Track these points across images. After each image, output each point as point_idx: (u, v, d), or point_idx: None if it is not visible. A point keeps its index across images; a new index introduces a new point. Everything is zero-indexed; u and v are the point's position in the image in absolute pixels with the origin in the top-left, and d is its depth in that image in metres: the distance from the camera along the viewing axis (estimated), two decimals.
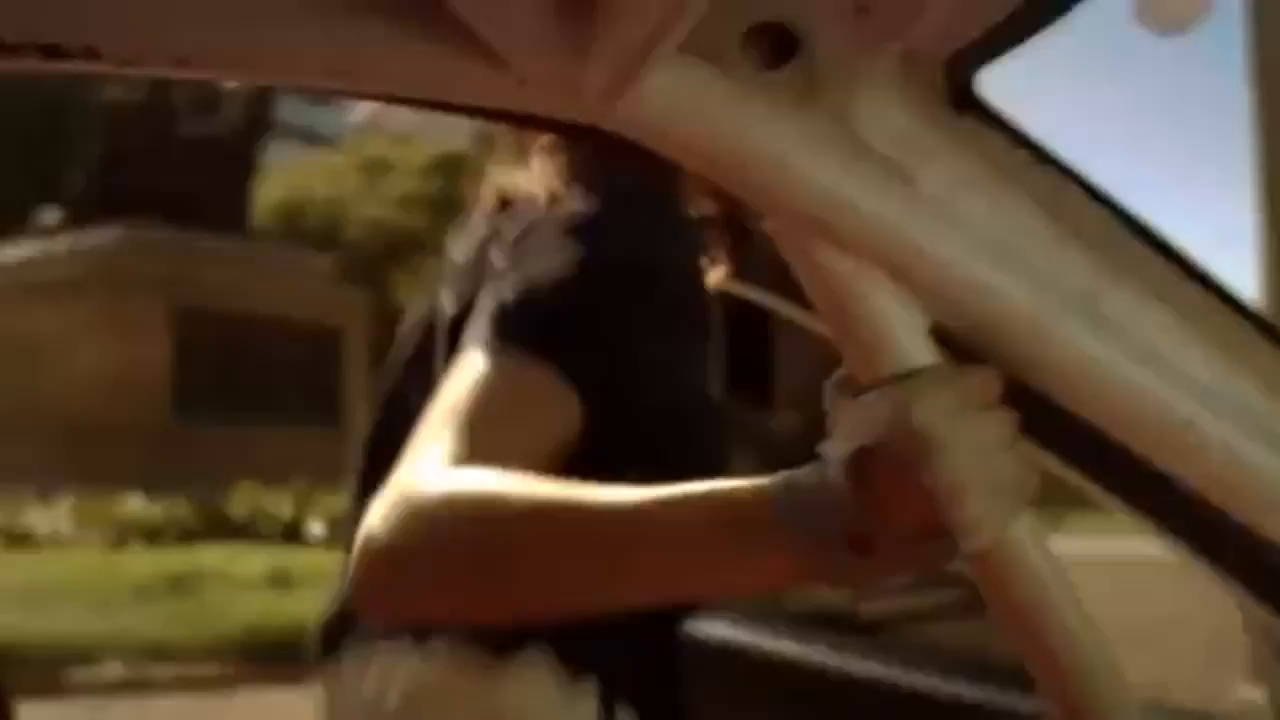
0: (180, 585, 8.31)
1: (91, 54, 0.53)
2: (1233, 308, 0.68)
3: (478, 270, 1.09)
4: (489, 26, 0.55)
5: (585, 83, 0.57)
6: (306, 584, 7.86)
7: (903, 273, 0.63)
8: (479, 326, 0.99)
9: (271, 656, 6.49)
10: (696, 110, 0.59)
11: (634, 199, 1.08)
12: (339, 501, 7.64)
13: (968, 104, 0.64)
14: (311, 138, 30.44)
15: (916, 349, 0.64)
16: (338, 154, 27.16)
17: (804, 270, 0.65)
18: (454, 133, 19.76)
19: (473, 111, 0.63)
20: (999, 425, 0.64)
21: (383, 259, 22.82)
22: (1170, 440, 0.67)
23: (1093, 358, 0.65)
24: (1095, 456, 0.96)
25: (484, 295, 1.03)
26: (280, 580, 8.57)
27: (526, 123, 0.63)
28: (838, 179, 0.61)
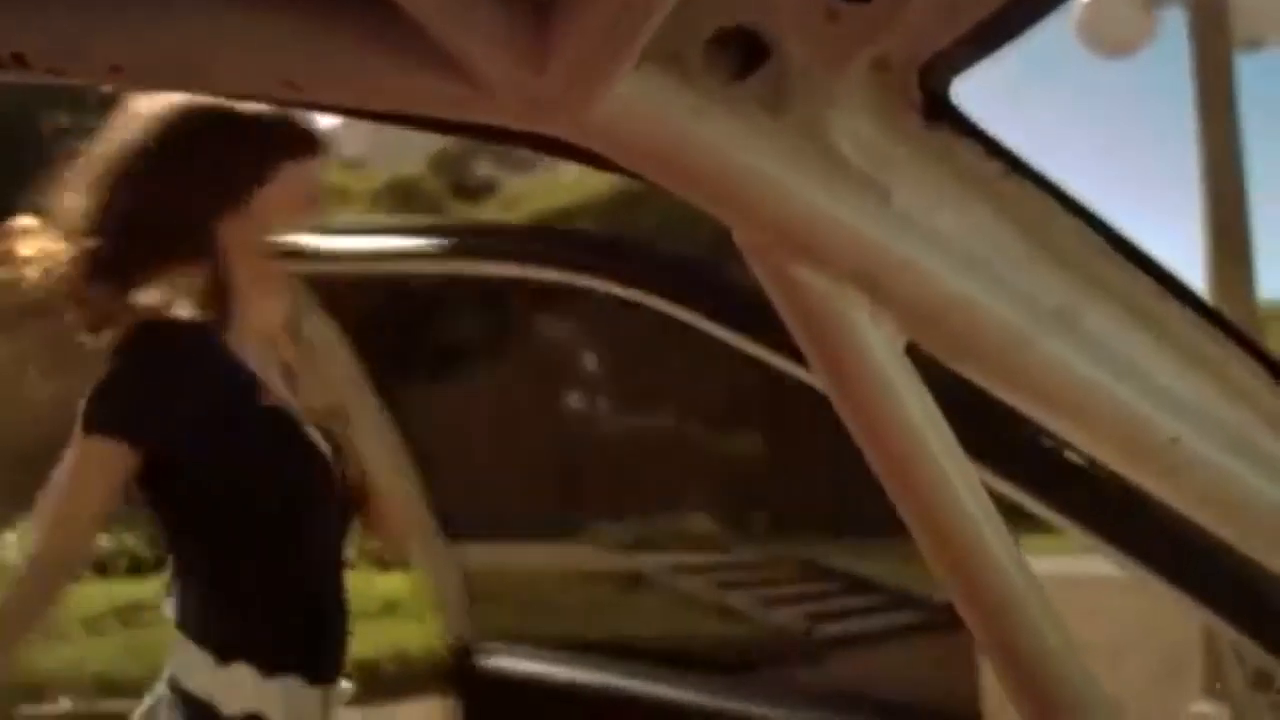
0: (131, 617, 8.17)
1: (19, 61, 0.50)
2: (1212, 322, 0.66)
3: None
4: (450, 37, 0.52)
5: (546, 93, 0.54)
6: None
7: (879, 288, 0.61)
8: None
9: None
10: (660, 121, 0.56)
11: None
12: None
13: (942, 113, 0.61)
14: None
15: (894, 366, 0.62)
16: None
17: (776, 287, 0.62)
18: (405, 159, 19.73)
19: (433, 125, 0.60)
20: None
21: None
22: (1153, 458, 0.65)
23: (1073, 372, 0.63)
24: (1054, 481, 0.94)
25: None
26: None
27: (488, 135, 0.60)
28: (812, 193, 0.58)
